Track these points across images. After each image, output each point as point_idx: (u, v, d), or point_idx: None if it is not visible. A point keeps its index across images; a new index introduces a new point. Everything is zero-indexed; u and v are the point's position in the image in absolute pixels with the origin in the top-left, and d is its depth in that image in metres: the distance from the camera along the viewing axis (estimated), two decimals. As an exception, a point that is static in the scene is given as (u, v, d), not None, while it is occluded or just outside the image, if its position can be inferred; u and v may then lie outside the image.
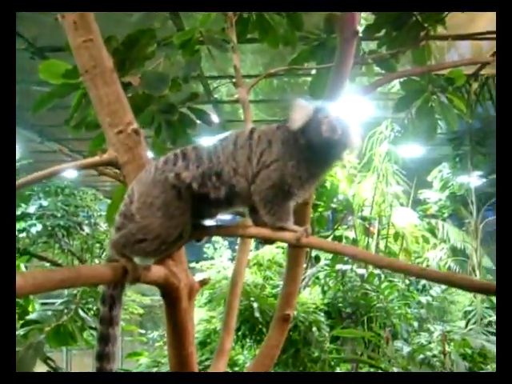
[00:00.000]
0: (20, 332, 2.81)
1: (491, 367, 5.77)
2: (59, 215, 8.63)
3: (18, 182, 1.67)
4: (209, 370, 2.28)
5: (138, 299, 7.78)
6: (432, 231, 9.47)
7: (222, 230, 1.79)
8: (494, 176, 10.24)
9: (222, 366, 2.21)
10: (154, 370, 6.26)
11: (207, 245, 8.79)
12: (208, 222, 1.74)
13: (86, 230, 8.60)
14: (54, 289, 1.30)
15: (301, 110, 1.63)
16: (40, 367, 3.19)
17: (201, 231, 1.72)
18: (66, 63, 2.31)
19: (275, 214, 1.59)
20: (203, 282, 1.92)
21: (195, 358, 1.87)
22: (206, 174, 1.59)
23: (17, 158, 8.40)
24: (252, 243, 7.84)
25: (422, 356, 5.64)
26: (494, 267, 10.80)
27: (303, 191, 1.65)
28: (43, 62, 2.39)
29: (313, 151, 1.60)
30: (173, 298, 1.75)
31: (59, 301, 3.55)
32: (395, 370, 5.14)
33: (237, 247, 2.56)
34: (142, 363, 6.65)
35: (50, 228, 8.49)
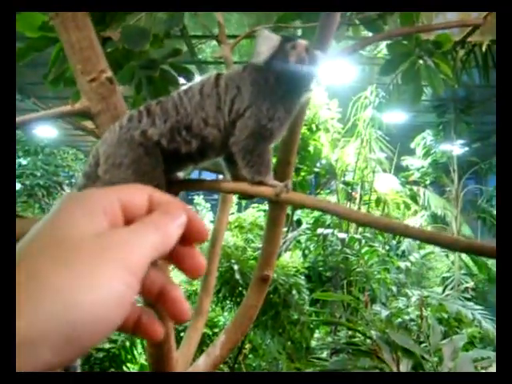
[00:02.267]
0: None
1: (466, 331, 5.90)
2: (39, 174, 8.54)
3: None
4: (187, 331, 2.28)
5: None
6: (413, 198, 9.54)
7: (198, 184, 1.75)
8: (477, 145, 10.33)
9: (200, 326, 2.22)
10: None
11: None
12: (184, 176, 1.70)
13: (67, 189, 8.53)
14: None
15: (266, 42, 1.58)
16: None
17: (178, 186, 1.67)
18: (44, 15, 2.23)
19: (254, 166, 1.54)
20: None
21: (174, 356, 1.83)
22: (175, 128, 1.53)
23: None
24: (234, 206, 7.86)
25: (399, 320, 5.74)
26: (473, 235, 10.98)
27: (282, 131, 1.61)
28: (20, 13, 2.31)
29: (283, 85, 1.55)
30: None
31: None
32: (373, 333, 5.22)
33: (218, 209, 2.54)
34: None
35: (29, 187, 8.41)
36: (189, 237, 0.64)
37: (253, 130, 1.52)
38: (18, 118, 1.66)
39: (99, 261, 0.50)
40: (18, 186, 8.38)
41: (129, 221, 0.58)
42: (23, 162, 8.78)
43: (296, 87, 1.59)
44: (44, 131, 9.66)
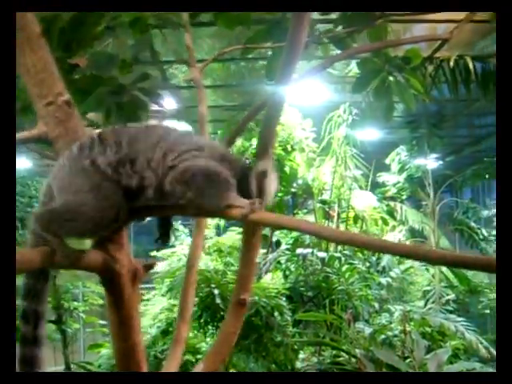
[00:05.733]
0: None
1: (450, 344, 5.90)
2: (16, 205, 8.42)
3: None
4: (166, 359, 2.23)
5: (97, 290, 7.65)
6: (391, 213, 9.58)
7: (157, 211, 1.68)
8: (450, 158, 10.46)
9: (178, 355, 2.16)
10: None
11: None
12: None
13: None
14: None
15: None
16: None
17: (145, 212, 1.64)
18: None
19: (215, 196, 1.49)
20: (148, 266, 1.78)
21: (142, 350, 1.78)
22: (122, 160, 1.49)
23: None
24: (212, 229, 7.80)
25: (383, 336, 5.73)
26: (451, 246, 11.06)
27: None
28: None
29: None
30: (114, 285, 1.64)
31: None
32: (357, 351, 5.19)
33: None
34: (102, 354, 6.56)
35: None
36: None
37: (200, 166, 1.51)
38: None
39: None
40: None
41: None
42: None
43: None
44: (18, 163, 9.55)
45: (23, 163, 9.76)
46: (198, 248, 2.37)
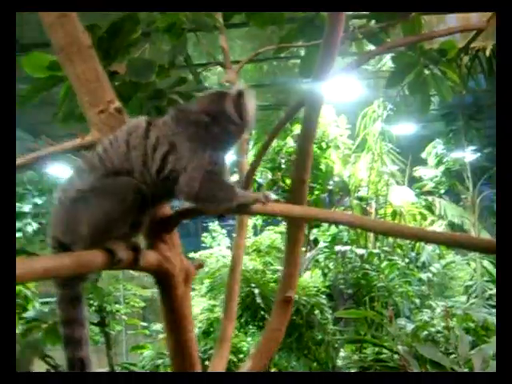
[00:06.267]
0: (18, 330, 2.78)
1: (494, 340, 5.79)
2: (54, 213, 8.61)
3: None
4: (212, 358, 2.25)
5: (138, 292, 7.76)
6: (429, 208, 9.46)
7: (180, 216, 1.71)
8: (489, 150, 10.25)
9: (224, 353, 2.18)
10: (159, 362, 6.26)
11: (205, 234, 8.75)
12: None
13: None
14: (36, 279, 1.25)
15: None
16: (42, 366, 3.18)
17: (176, 217, 1.67)
18: (51, 55, 2.26)
19: (224, 200, 1.50)
20: (199, 266, 1.84)
21: (195, 345, 1.81)
22: (103, 176, 1.48)
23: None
24: (250, 229, 7.83)
25: (425, 332, 5.65)
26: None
27: (225, 163, 1.58)
28: (27, 55, 2.34)
29: (224, 136, 1.55)
30: (168, 285, 1.69)
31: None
32: (400, 347, 5.14)
33: (234, 235, 2.53)
34: (145, 356, 6.64)
35: (45, 226, 8.47)
36: None
37: (202, 180, 1.48)
38: (31, 155, 1.66)
39: None
40: (35, 226, 8.42)
41: None
42: (39, 201, 8.84)
43: (235, 137, 1.59)
44: (56, 170, 9.75)
45: (60, 170, 9.99)
46: (240, 247, 2.40)
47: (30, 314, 3.14)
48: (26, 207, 8.70)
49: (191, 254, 7.24)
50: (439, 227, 9.61)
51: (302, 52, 2.91)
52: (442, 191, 10.49)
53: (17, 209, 8.56)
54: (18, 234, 8.36)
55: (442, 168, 10.22)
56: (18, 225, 8.40)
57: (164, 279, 1.68)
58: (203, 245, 8.64)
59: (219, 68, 5.88)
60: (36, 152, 1.68)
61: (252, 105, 1.58)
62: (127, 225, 1.50)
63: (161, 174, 1.49)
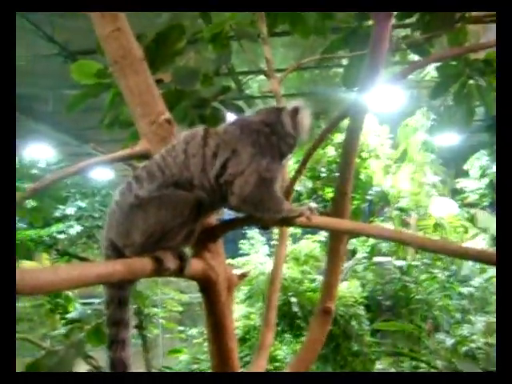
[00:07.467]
0: (61, 331, 2.85)
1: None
2: (97, 216, 8.78)
3: (49, 177, 1.65)
4: (250, 366, 2.26)
5: (176, 297, 7.84)
6: (471, 220, 9.27)
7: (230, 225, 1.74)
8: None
9: (262, 362, 2.18)
10: (194, 366, 6.29)
11: (243, 241, 8.77)
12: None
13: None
14: (90, 284, 1.28)
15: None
16: (83, 366, 3.24)
17: (225, 225, 1.72)
18: (98, 63, 2.32)
19: (271, 209, 1.55)
20: (242, 275, 1.87)
21: (236, 354, 1.83)
22: (162, 186, 1.52)
23: (54, 161, 8.57)
24: (289, 238, 7.81)
25: (465, 348, 5.53)
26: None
27: (280, 172, 1.64)
28: (75, 62, 2.41)
29: (283, 146, 1.62)
30: (211, 293, 1.71)
31: (97, 300, 3.59)
32: (438, 362, 5.05)
33: (273, 242, 2.54)
34: (182, 360, 6.70)
35: (88, 229, 8.65)
36: None
37: (255, 184, 1.53)
38: (80, 164, 1.70)
39: None
40: (79, 228, 8.61)
41: None
42: (82, 204, 9.04)
43: (291, 148, 1.65)
44: (99, 174, 9.96)
45: (104, 174, 10.19)
46: (281, 256, 2.40)
47: (72, 314, 3.21)
48: (70, 210, 8.89)
49: (229, 261, 7.26)
50: (483, 240, 9.41)
51: (344, 61, 2.90)
52: (486, 203, 10.27)
53: (60, 211, 8.76)
54: (62, 236, 8.55)
55: (485, 180, 10.01)
56: (62, 227, 8.59)
57: (208, 287, 1.70)
58: (241, 251, 8.66)
59: (260, 76, 5.91)
60: (86, 161, 1.72)
61: (307, 120, 1.67)
62: (180, 237, 1.54)
63: (220, 179, 1.54)
